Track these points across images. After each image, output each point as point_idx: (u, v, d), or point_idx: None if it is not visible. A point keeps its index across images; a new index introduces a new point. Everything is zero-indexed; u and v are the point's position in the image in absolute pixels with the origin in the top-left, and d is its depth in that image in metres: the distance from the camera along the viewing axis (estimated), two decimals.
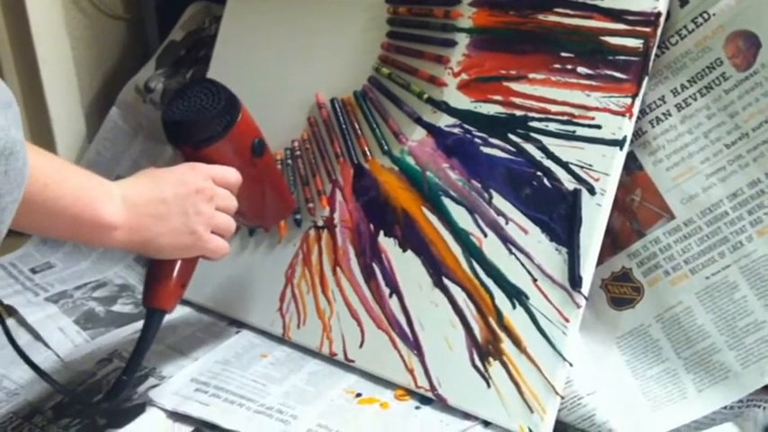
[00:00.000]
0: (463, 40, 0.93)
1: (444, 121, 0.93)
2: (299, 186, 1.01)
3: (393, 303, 0.93)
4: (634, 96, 0.83)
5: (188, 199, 0.78)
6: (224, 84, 0.83)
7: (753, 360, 0.82)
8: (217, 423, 0.85)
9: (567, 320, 0.84)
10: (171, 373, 0.93)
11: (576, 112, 0.86)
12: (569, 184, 0.85)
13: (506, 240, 0.88)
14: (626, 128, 0.84)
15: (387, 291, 0.94)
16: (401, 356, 0.92)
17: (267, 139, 0.86)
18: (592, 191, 0.84)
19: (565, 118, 0.86)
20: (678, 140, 0.85)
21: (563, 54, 0.87)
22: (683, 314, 0.85)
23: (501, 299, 0.87)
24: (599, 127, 0.84)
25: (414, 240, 0.93)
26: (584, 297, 0.84)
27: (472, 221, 0.90)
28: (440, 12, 0.94)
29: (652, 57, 0.84)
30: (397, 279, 0.93)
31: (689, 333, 0.85)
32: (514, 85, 0.89)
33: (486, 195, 0.89)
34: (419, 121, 0.94)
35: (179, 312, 1.05)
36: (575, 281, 0.83)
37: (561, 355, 0.83)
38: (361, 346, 0.94)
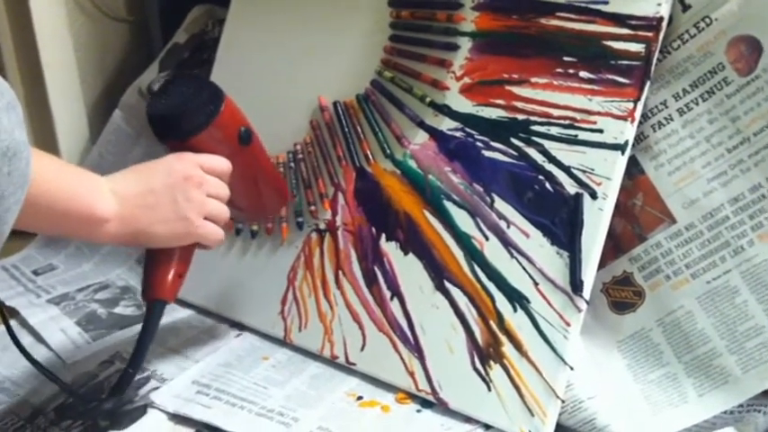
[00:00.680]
0: (466, 43, 0.93)
1: (446, 124, 0.93)
2: (301, 189, 1.01)
3: (394, 306, 0.93)
4: (636, 101, 0.83)
5: (177, 187, 0.78)
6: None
7: (753, 365, 0.82)
8: (218, 425, 0.85)
9: (568, 324, 0.84)
10: (172, 375, 0.93)
11: (578, 116, 0.86)
12: (571, 188, 0.85)
13: (508, 244, 0.88)
14: (628, 132, 0.84)
15: (388, 294, 0.94)
16: (402, 360, 0.92)
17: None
18: (593, 195, 0.84)
19: (567, 122, 0.86)
20: (680, 145, 0.85)
21: (565, 58, 0.87)
22: (683, 318, 0.85)
23: (502, 302, 0.87)
24: (601, 131, 0.84)
25: (415, 243, 0.93)
26: (586, 301, 0.84)
27: (474, 225, 0.90)
28: (443, 15, 0.94)
29: (654, 61, 0.84)
30: (399, 282, 0.93)
31: (690, 337, 0.85)
32: (517, 89, 0.89)
33: (487, 199, 0.89)
34: (421, 124, 0.95)
35: (181, 314, 1.05)
36: (576, 285, 0.83)
37: (562, 358, 0.83)
38: (362, 349, 0.94)
